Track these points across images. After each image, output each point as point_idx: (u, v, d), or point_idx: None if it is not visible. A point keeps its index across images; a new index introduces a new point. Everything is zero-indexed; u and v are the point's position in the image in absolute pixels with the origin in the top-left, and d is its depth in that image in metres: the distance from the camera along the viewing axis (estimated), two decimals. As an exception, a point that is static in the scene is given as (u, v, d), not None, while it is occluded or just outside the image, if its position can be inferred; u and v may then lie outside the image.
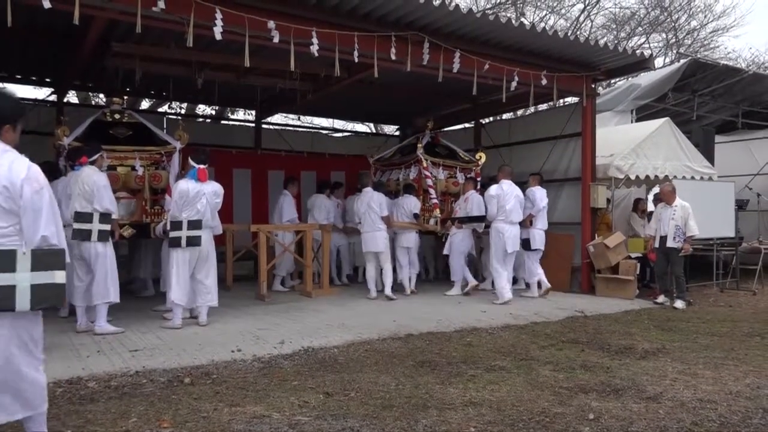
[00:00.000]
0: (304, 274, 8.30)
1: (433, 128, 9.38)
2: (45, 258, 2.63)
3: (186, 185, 5.95)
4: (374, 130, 17.27)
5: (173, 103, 12.41)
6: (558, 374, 4.40)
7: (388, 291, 7.82)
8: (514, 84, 7.38)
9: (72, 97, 13.02)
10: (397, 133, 13.66)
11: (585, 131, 8.60)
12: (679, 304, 7.59)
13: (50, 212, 2.68)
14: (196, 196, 5.96)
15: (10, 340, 2.61)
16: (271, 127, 11.87)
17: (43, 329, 2.83)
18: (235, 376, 4.27)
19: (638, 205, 9.86)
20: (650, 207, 9.36)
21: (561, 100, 9.16)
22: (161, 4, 5.13)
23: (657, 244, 7.87)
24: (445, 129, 12.19)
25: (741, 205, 10.72)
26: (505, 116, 11.73)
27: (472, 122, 11.21)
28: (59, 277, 2.66)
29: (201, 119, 13.46)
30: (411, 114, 11.48)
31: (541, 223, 8.03)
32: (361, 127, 17.84)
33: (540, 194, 8.02)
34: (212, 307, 6.13)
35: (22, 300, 2.56)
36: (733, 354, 5.09)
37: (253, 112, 12.07)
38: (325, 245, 8.29)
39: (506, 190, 7.67)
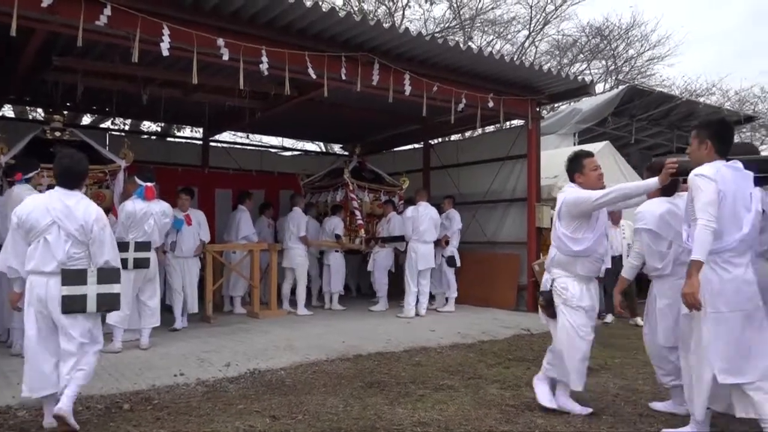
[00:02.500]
0: (252, 295, 8.16)
1: (379, 150, 9.61)
2: (107, 275, 3.69)
3: (133, 206, 5.79)
4: (324, 149, 17.27)
5: (116, 119, 12.09)
6: (505, 392, 4.46)
7: (300, 306, 8.27)
8: (462, 106, 7.53)
9: (8, 111, 12.50)
10: (346, 152, 13.71)
11: (530, 153, 8.83)
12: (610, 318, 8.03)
13: (110, 242, 3.76)
14: (144, 216, 5.81)
15: (81, 329, 3.61)
16: (219, 144, 11.70)
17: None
18: (178, 401, 4.13)
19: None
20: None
21: (507, 123, 9.40)
22: (104, 19, 5.01)
23: (609, 265, 7.99)
24: (395, 149, 12.33)
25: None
26: (453, 137, 11.93)
27: (422, 143, 11.36)
28: (116, 288, 3.72)
29: (146, 136, 13.11)
30: (362, 134, 11.54)
31: (456, 242, 8.72)
32: (311, 146, 17.81)
33: (458, 216, 8.74)
34: (155, 330, 5.94)
35: (91, 305, 3.60)
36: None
37: (201, 130, 11.87)
38: (273, 265, 8.19)
39: (421, 212, 8.20)
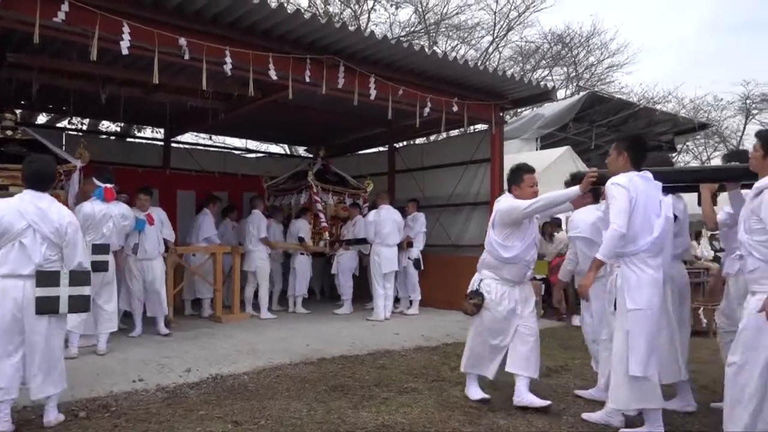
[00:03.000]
0: (215, 299, 8.04)
1: (344, 152, 9.60)
2: (78, 277, 3.75)
3: (91, 207, 5.64)
4: (289, 152, 17.14)
5: (74, 118, 11.76)
6: (468, 394, 4.49)
7: (263, 310, 8.19)
8: (427, 110, 7.58)
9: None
10: (311, 155, 13.64)
11: (493, 157, 8.94)
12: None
13: (82, 245, 3.87)
14: (103, 218, 5.67)
15: (51, 331, 3.68)
16: (181, 146, 11.49)
17: None
18: (136, 408, 4.04)
19: (546, 230, 10.33)
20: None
21: (471, 127, 9.49)
22: (62, 15, 4.87)
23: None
24: (360, 152, 12.32)
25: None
26: (418, 141, 11.98)
27: (387, 146, 11.38)
28: (87, 290, 3.81)
29: (105, 136, 12.79)
30: (327, 136, 11.50)
31: (421, 245, 8.77)
32: (275, 148, 17.65)
33: (423, 219, 8.81)
34: (113, 335, 5.80)
35: (63, 306, 3.67)
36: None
37: (162, 130, 11.64)
38: (236, 268, 8.09)
39: (383, 215, 8.25)
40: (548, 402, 4.07)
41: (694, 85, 43.49)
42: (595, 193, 4.35)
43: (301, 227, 8.78)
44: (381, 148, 11.86)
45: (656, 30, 36.83)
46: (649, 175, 3.70)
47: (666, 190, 3.86)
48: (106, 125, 14.30)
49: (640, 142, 3.82)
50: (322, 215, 8.98)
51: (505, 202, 4.24)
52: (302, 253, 8.79)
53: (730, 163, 4.07)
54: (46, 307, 3.60)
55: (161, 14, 5.52)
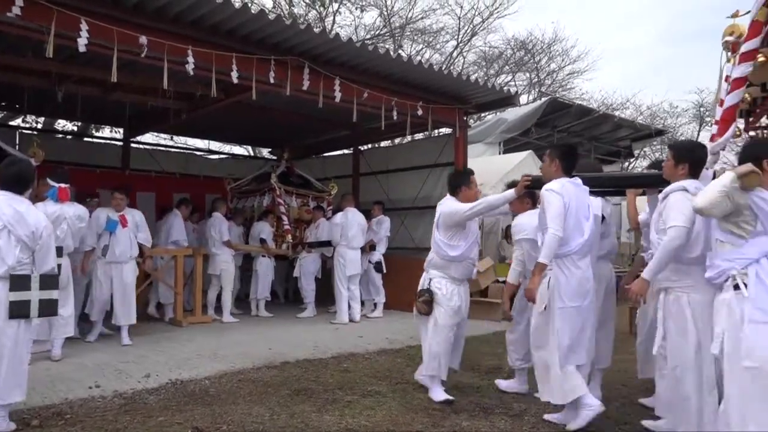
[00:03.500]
0: (175, 302, 7.87)
1: (309, 155, 9.56)
2: (48, 281, 3.74)
3: (44, 208, 5.44)
4: (252, 153, 16.96)
5: (28, 116, 11.39)
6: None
7: (226, 314, 8.09)
8: (394, 113, 7.59)
9: None
10: (274, 157, 13.52)
11: (457, 161, 9.01)
12: None
13: (54, 249, 3.86)
14: (57, 220, 5.49)
15: (19, 336, 3.62)
16: (140, 146, 11.25)
17: None
18: (93, 415, 3.92)
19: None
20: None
21: (436, 131, 9.56)
22: (17, 10, 4.71)
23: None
24: (325, 155, 12.28)
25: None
26: (383, 144, 12.00)
27: (351, 149, 11.37)
28: (55, 294, 3.81)
29: (61, 135, 12.42)
30: (291, 138, 11.42)
31: (383, 248, 8.80)
32: (239, 150, 17.44)
33: (388, 222, 8.84)
34: (68, 340, 5.63)
35: (34, 310, 3.65)
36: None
37: (121, 130, 11.38)
38: (198, 270, 7.95)
39: (350, 218, 8.25)
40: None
41: (651, 92, 44.75)
42: (533, 197, 4.58)
43: (263, 229, 8.71)
44: (346, 151, 11.85)
45: (615, 38, 37.84)
46: (579, 180, 3.95)
47: (597, 193, 4.17)
48: (62, 124, 13.92)
49: (571, 151, 4.06)
50: (285, 218, 8.94)
51: (448, 205, 4.50)
52: (263, 256, 8.72)
53: (650, 171, 4.32)
54: (19, 311, 3.58)
55: (120, 11, 5.39)
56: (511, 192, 4.31)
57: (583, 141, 13.16)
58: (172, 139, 15.30)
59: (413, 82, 7.87)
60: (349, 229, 8.18)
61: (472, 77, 8.29)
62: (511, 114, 11.51)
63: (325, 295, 8.92)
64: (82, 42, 5.04)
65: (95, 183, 9.41)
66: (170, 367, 5.21)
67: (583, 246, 3.79)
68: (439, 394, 4.40)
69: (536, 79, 21.79)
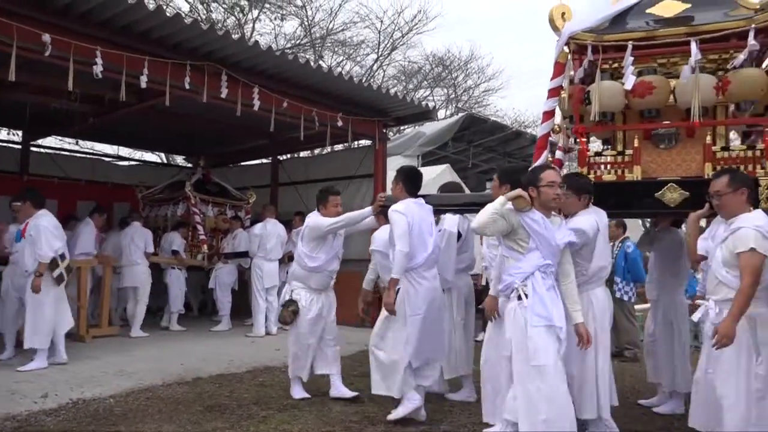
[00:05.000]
0: (79, 316, 7.39)
1: (226, 163, 9.35)
2: None
3: None
4: (166, 161, 16.35)
5: None
6: (348, 408, 4.49)
7: (135, 328, 7.68)
8: (316, 124, 7.56)
9: None
10: (190, 164, 13.10)
11: (377, 172, 9.09)
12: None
13: None
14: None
15: None
16: (42, 150, 10.56)
17: None
18: (-20, 441, 3.61)
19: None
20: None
21: (356, 142, 9.60)
22: None
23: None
24: (243, 163, 12.02)
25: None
26: (303, 154, 11.92)
27: (270, 158, 11.21)
28: None
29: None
30: (208, 146, 11.10)
31: None
32: (151, 156, 16.76)
33: None
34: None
35: None
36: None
37: (20, 133, 10.64)
38: (106, 281, 7.54)
39: (270, 229, 8.19)
40: (357, 393, 4.67)
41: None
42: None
43: (174, 240, 8.41)
44: (264, 160, 11.66)
45: (528, 59, 39.60)
46: (422, 200, 4.30)
47: (456, 211, 4.67)
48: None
49: (414, 174, 4.42)
50: (200, 227, 8.67)
51: (313, 219, 4.79)
52: (173, 267, 8.39)
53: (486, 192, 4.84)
54: None
55: (22, 6, 5.09)
56: (369, 209, 4.64)
57: (496, 156, 13.67)
58: (77, 143, 14.50)
59: (334, 94, 7.88)
60: (268, 240, 8.04)
61: (392, 91, 8.42)
62: (429, 128, 11.77)
63: (241, 308, 8.70)
64: (-23, 37, 4.69)
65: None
66: (71, 385, 4.88)
67: (427, 259, 4.14)
68: (298, 391, 4.78)
69: (453, 95, 22.43)
